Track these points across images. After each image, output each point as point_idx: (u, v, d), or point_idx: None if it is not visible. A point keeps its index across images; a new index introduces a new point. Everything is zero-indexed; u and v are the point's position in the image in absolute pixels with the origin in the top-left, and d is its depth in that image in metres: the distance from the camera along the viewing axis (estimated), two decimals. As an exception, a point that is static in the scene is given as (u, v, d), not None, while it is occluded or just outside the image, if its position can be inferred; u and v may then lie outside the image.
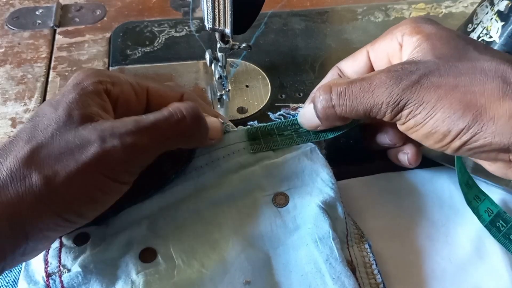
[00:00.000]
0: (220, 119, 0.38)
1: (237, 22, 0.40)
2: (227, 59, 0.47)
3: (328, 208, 0.36)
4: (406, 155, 0.38)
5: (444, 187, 0.42)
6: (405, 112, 0.32)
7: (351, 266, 0.35)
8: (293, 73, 0.52)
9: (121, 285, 0.32)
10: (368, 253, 0.36)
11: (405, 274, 0.37)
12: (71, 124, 0.30)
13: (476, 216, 0.38)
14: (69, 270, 0.32)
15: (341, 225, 0.36)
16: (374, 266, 0.36)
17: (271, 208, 0.37)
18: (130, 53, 0.53)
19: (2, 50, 0.55)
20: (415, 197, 0.42)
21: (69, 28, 0.58)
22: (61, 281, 0.32)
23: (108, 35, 0.57)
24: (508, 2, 0.44)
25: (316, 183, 0.37)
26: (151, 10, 0.61)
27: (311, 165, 0.38)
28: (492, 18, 0.46)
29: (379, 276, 0.35)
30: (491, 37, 0.46)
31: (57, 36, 0.57)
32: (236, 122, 0.41)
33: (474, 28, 0.48)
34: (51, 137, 0.29)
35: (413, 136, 0.34)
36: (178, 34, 0.56)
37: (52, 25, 0.58)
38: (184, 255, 0.34)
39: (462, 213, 0.40)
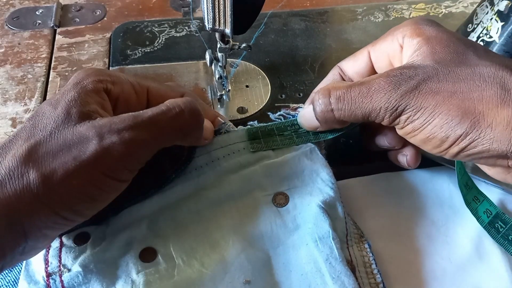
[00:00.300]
0: (220, 119, 0.38)
1: (237, 22, 0.40)
2: (227, 59, 0.47)
3: (328, 208, 0.36)
4: (405, 157, 0.38)
5: (444, 187, 0.42)
6: (403, 117, 0.32)
7: (351, 266, 0.35)
8: (293, 73, 0.52)
9: (121, 284, 0.32)
10: (368, 253, 0.36)
11: (404, 274, 0.37)
12: (69, 122, 0.30)
13: (475, 217, 0.38)
14: (69, 270, 0.33)
15: (341, 225, 0.36)
16: (373, 266, 0.36)
17: (271, 208, 0.37)
18: (130, 53, 0.53)
19: (2, 50, 0.55)
20: (415, 197, 0.42)
21: (69, 28, 0.58)
22: (62, 281, 0.32)
23: (108, 35, 0.57)
24: (508, 2, 0.44)
25: (316, 183, 0.37)
26: (151, 10, 0.61)
27: (311, 165, 0.38)
28: (492, 18, 0.46)
29: (378, 275, 0.35)
30: (491, 37, 0.46)
31: (57, 36, 0.57)
32: (236, 122, 0.41)
33: (474, 28, 0.48)
34: (49, 135, 0.29)
35: (411, 140, 0.34)
36: (178, 34, 0.56)
37: (52, 25, 0.58)
38: (184, 255, 0.34)
39: (462, 213, 0.40)
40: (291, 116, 0.41)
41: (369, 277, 0.35)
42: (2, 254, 0.27)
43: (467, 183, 0.39)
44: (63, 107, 0.31)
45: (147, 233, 0.35)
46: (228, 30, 0.40)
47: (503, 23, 0.45)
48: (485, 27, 0.47)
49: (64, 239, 0.34)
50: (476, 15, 0.48)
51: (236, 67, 0.50)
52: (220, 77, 0.47)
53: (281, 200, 0.37)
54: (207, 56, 0.48)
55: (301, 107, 0.41)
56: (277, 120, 0.42)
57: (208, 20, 0.40)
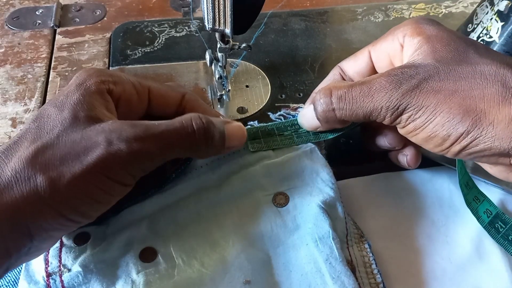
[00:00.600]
0: (221, 117, 0.38)
1: (237, 22, 0.40)
2: (227, 59, 0.47)
3: (328, 208, 0.36)
4: (405, 157, 0.38)
5: (444, 187, 0.42)
6: (404, 116, 0.32)
7: (351, 266, 0.35)
8: (293, 73, 0.52)
9: (121, 284, 0.32)
10: (368, 253, 0.36)
11: (405, 274, 0.37)
12: (77, 126, 0.30)
13: (475, 217, 0.38)
14: (69, 270, 0.33)
15: (341, 225, 0.36)
16: (373, 266, 0.36)
17: (271, 208, 0.37)
18: (130, 53, 0.53)
19: (2, 50, 0.55)
20: (415, 197, 0.42)
21: (69, 28, 0.58)
22: (62, 281, 0.32)
23: (108, 35, 0.57)
24: (508, 2, 0.44)
25: (316, 183, 0.37)
26: (151, 10, 0.61)
27: (311, 165, 0.38)
28: (492, 18, 0.46)
29: (378, 275, 0.35)
30: (491, 37, 0.46)
31: (57, 36, 0.57)
32: (236, 122, 0.41)
33: (474, 28, 0.48)
34: (56, 138, 0.29)
35: (413, 139, 0.34)
36: (178, 34, 0.56)
37: (52, 25, 0.58)
38: (184, 255, 0.34)
39: (462, 213, 0.40)
40: (291, 116, 0.42)
41: (369, 277, 0.35)
42: (7, 254, 0.28)
43: (467, 183, 0.39)
44: (69, 109, 0.31)
45: (147, 233, 0.35)
46: (228, 30, 0.40)
47: (503, 23, 0.45)
48: (485, 27, 0.47)
49: (64, 239, 0.34)
50: (476, 15, 0.48)
51: (236, 67, 0.50)
52: (220, 77, 0.47)
53: (281, 200, 0.37)
54: (207, 56, 0.48)
55: (301, 107, 0.41)
56: (277, 120, 0.42)
57: (208, 20, 0.40)
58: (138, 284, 0.32)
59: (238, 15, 0.39)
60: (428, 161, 0.42)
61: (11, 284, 0.35)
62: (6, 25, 0.58)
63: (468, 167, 0.40)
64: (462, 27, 0.51)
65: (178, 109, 0.38)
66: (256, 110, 0.48)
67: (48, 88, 0.51)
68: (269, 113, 0.43)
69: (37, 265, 0.33)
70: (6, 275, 0.36)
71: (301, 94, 0.50)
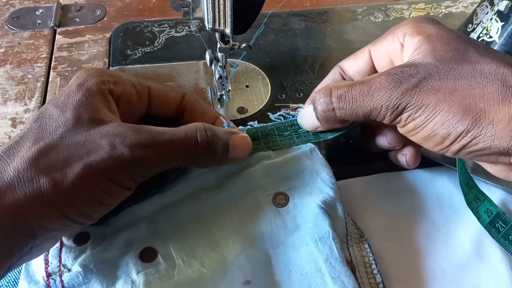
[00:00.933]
0: (222, 119, 0.38)
1: (237, 22, 0.40)
2: (227, 59, 0.47)
3: (328, 208, 0.36)
4: (404, 156, 0.38)
5: (444, 187, 0.42)
6: (404, 115, 0.32)
7: (351, 266, 0.35)
8: (293, 73, 0.52)
9: (121, 284, 0.32)
10: (368, 253, 0.36)
11: (405, 274, 0.37)
12: (81, 127, 0.30)
13: (476, 216, 0.38)
14: (69, 270, 0.33)
15: (341, 225, 0.36)
16: (373, 266, 0.36)
17: (271, 208, 0.37)
18: (130, 53, 0.53)
19: (2, 50, 0.55)
20: (415, 197, 0.42)
21: (69, 28, 0.58)
22: (62, 281, 0.32)
23: (108, 35, 0.57)
24: (508, 2, 0.44)
25: (316, 183, 0.37)
26: (151, 10, 0.61)
27: (311, 165, 0.38)
28: (492, 18, 0.46)
29: (378, 275, 0.35)
30: (491, 37, 0.46)
31: (57, 36, 0.57)
32: (236, 122, 0.41)
33: (474, 28, 0.48)
34: (59, 139, 0.29)
35: (413, 138, 0.34)
36: (178, 34, 0.56)
37: (52, 25, 0.58)
38: (184, 255, 0.34)
39: (462, 213, 0.40)
40: (291, 116, 0.42)
41: (369, 277, 0.35)
42: (9, 254, 0.28)
43: (468, 183, 0.39)
44: (72, 110, 0.31)
45: (147, 233, 0.35)
46: (228, 30, 0.40)
47: (503, 23, 0.45)
48: (485, 27, 0.47)
49: (64, 239, 0.34)
50: (476, 15, 0.48)
51: (236, 67, 0.50)
52: (220, 77, 0.47)
53: (281, 200, 0.37)
54: (207, 56, 0.48)
55: (301, 107, 0.41)
56: (277, 120, 0.42)
57: (208, 20, 0.40)
58: (138, 284, 0.32)
59: (238, 15, 0.39)
60: (428, 161, 0.42)
61: (11, 284, 0.35)
62: (6, 25, 0.58)
63: (468, 167, 0.40)
64: (462, 27, 0.51)
65: (178, 109, 0.38)
66: (256, 110, 0.48)
67: (48, 88, 0.51)
68: (269, 113, 0.43)
69: (37, 265, 0.33)
70: (6, 275, 0.36)
71: (301, 94, 0.50)
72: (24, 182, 0.28)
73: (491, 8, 0.46)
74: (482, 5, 0.48)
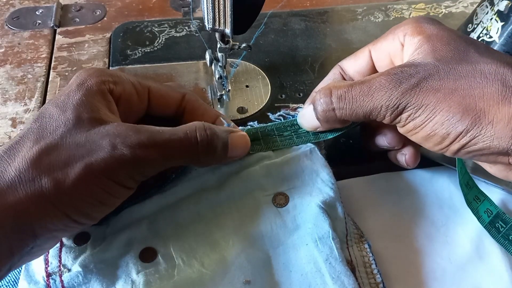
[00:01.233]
0: (222, 119, 0.38)
1: (237, 22, 0.40)
2: (227, 59, 0.47)
3: (328, 208, 0.36)
4: (404, 156, 0.38)
5: (444, 187, 0.42)
6: (404, 115, 0.32)
7: (351, 266, 0.35)
8: (293, 73, 0.52)
9: (121, 284, 0.32)
10: (368, 253, 0.36)
11: (404, 274, 0.37)
12: (81, 127, 0.30)
13: (476, 216, 0.38)
14: (69, 270, 0.33)
15: (340, 225, 0.36)
16: (373, 266, 0.36)
17: (271, 208, 0.37)
18: (130, 53, 0.53)
19: (2, 50, 0.55)
20: (415, 197, 0.42)
21: (69, 28, 0.58)
22: (62, 281, 0.32)
23: (108, 35, 0.57)
24: (508, 2, 0.44)
25: (316, 183, 0.37)
26: (151, 10, 0.61)
27: (311, 165, 0.38)
28: (492, 18, 0.46)
29: (378, 275, 0.35)
30: (491, 37, 0.46)
31: (57, 36, 0.57)
32: (236, 122, 0.41)
33: (474, 28, 0.48)
34: (60, 139, 0.29)
35: (412, 138, 0.34)
36: (178, 34, 0.56)
37: (52, 25, 0.58)
38: (184, 255, 0.34)
39: (461, 213, 0.40)
40: (290, 117, 0.41)
41: (369, 277, 0.35)
42: (10, 253, 0.28)
43: (468, 183, 0.39)
44: (72, 110, 0.31)
45: (147, 233, 0.35)
46: (228, 30, 0.40)
47: (503, 23, 0.45)
48: (485, 27, 0.46)
49: (64, 239, 0.34)
50: (476, 15, 0.48)
51: (236, 67, 0.50)
52: (220, 77, 0.47)
53: (281, 200, 0.37)
54: (207, 56, 0.48)
55: (301, 107, 0.41)
56: (276, 120, 0.42)
57: (208, 20, 0.40)
58: (138, 284, 0.32)
59: (238, 15, 0.39)
60: (428, 161, 0.42)
61: (11, 284, 0.35)
62: (6, 25, 0.58)
63: (468, 167, 0.40)
64: (462, 27, 0.51)
65: (178, 109, 0.38)
66: (256, 110, 0.48)
67: (48, 88, 0.51)
68: (269, 113, 0.43)
69: (37, 265, 0.33)
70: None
71: (301, 94, 0.50)
72: (26, 182, 0.28)
73: (491, 8, 0.46)
74: (482, 5, 0.48)
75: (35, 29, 0.58)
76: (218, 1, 0.38)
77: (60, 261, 0.33)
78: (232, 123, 0.39)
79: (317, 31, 0.57)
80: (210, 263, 0.34)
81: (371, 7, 0.60)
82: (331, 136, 0.38)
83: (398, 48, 0.36)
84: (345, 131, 0.38)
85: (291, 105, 0.42)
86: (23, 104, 0.49)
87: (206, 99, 0.49)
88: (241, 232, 0.36)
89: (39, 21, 0.58)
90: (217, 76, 0.47)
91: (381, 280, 0.35)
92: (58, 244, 0.34)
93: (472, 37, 0.48)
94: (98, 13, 0.60)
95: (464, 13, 0.60)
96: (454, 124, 0.31)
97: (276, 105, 0.48)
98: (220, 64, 0.47)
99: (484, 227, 0.38)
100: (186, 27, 0.57)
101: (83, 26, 0.58)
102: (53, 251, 0.33)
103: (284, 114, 0.42)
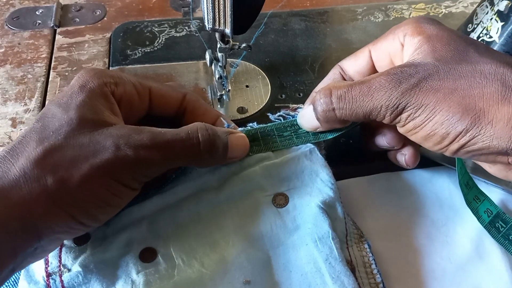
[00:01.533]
0: (222, 119, 0.38)
1: (237, 22, 0.40)
2: (227, 59, 0.47)
3: (327, 208, 0.36)
4: (403, 156, 0.38)
5: (444, 187, 0.42)
6: (404, 115, 0.32)
7: (351, 266, 0.35)
8: (293, 73, 0.52)
9: (121, 284, 0.32)
10: (368, 253, 0.36)
11: (404, 274, 0.37)
12: (85, 128, 0.30)
13: (476, 217, 0.38)
14: (69, 270, 0.33)
15: (340, 225, 0.36)
16: (373, 266, 0.36)
17: (271, 209, 0.37)
18: (130, 53, 0.53)
19: (2, 50, 0.55)
20: (415, 197, 0.42)
21: (69, 28, 0.58)
22: (62, 281, 0.32)
23: (108, 35, 0.57)
24: (508, 2, 0.44)
25: (316, 184, 0.37)
26: (151, 10, 0.61)
27: (310, 166, 0.38)
28: (492, 18, 0.46)
29: (378, 275, 0.35)
30: (491, 37, 0.46)
31: (57, 36, 0.57)
32: (236, 122, 0.41)
33: (474, 28, 0.48)
34: (64, 139, 0.29)
35: (412, 138, 0.34)
36: (178, 34, 0.56)
37: (52, 25, 0.58)
38: (184, 255, 0.34)
39: (461, 213, 0.40)
40: (290, 117, 0.41)
41: (369, 277, 0.35)
42: (13, 254, 0.28)
43: (467, 183, 0.39)
44: (75, 111, 0.31)
45: (147, 233, 0.35)
46: (228, 30, 0.40)
47: (503, 23, 0.45)
48: (485, 27, 0.47)
49: (64, 239, 0.34)
50: (476, 15, 0.48)
51: (236, 67, 0.50)
52: (220, 77, 0.47)
53: (281, 200, 0.37)
54: (207, 56, 0.48)
55: (300, 108, 0.41)
56: (276, 120, 0.42)
57: (208, 20, 0.40)
58: (138, 284, 0.32)
59: (238, 15, 0.39)
60: (428, 161, 0.42)
61: (11, 284, 0.35)
62: (6, 25, 0.58)
63: (468, 167, 0.40)
64: (462, 27, 0.51)
65: (179, 109, 0.38)
66: (256, 110, 0.48)
67: (48, 88, 0.51)
68: (268, 114, 0.43)
69: (37, 265, 0.33)
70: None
71: (301, 94, 0.50)
72: (30, 182, 0.28)
73: (491, 8, 0.46)
74: (482, 5, 0.48)
75: (35, 29, 0.58)
76: (218, 1, 0.38)
77: (60, 261, 0.33)
78: (233, 124, 0.39)
79: (317, 31, 0.57)
80: (210, 263, 0.34)
81: (371, 7, 0.60)
82: (331, 137, 0.38)
83: (398, 48, 0.36)
84: (345, 131, 0.38)
85: (291, 105, 0.42)
86: (23, 104, 0.49)
87: (206, 99, 0.49)
88: (241, 232, 0.36)
89: (39, 21, 0.58)
90: (217, 76, 0.47)
91: (381, 280, 0.35)
92: (58, 244, 0.34)
93: (472, 37, 0.48)
94: (98, 13, 0.60)
95: (464, 13, 0.60)
96: (453, 123, 0.31)
97: (276, 105, 0.48)
98: (220, 64, 0.47)
99: (484, 227, 0.38)
100: (186, 27, 0.57)
101: (83, 26, 0.58)
102: (53, 251, 0.33)
103: (284, 115, 0.42)
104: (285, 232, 0.36)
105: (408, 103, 0.32)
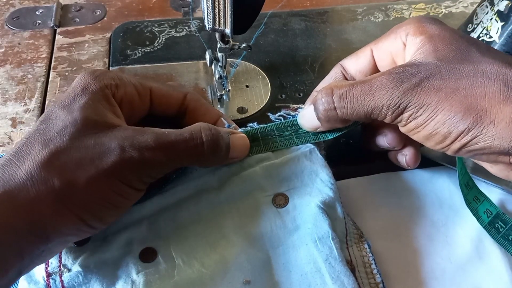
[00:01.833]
0: (223, 119, 0.38)
1: (237, 22, 0.40)
2: (227, 59, 0.47)
3: (327, 208, 0.36)
4: (404, 157, 0.38)
5: (444, 187, 0.42)
6: (405, 114, 0.32)
7: (351, 266, 0.35)
8: (293, 73, 0.52)
9: (121, 284, 0.32)
10: (368, 253, 0.36)
11: (404, 274, 0.37)
12: (89, 130, 0.30)
13: (475, 217, 0.38)
14: (69, 270, 0.33)
15: (340, 225, 0.36)
16: (373, 266, 0.36)
17: (271, 209, 0.37)
18: (130, 53, 0.53)
19: (2, 50, 0.55)
20: (415, 197, 0.42)
21: (69, 28, 0.58)
22: (62, 281, 0.32)
23: (108, 35, 0.57)
24: (508, 2, 0.44)
25: (316, 184, 0.37)
26: (151, 10, 0.61)
27: (310, 166, 0.38)
28: (492, 18, 0.46)
29: (378, 275, 0.35)
30: (491, 37, 0.46)
31: (57, 36, 0.57)
32: (236, 122, 0.41)
33: (474, 28, 0.48)
34: (69, 141, 0.29)
35: (414, 137, 0.34)
36: (178, 34, 0.56)
37: (52, 25, 0.58)
38: (184, 255, 0.34)
39: (461, 213, 0.40)
40: (291, 117, 0.41)
41: (369, 277, 0.35)
42: (20, 256, 0.27)
43: (467, 183, 0.39)
44: (79, 113, 0.31)
45: (147, 234, 0.35)
46: (228, 30, 0.40)
47: (503, 23, 0.45)
48: (485, 27, 0.47)
49: (64, 239, 0.34)
50: (476, 15, 0.48)
51: (236, 67, 0.50)
52: (220, 77, 0.47)
53: (280, 201, 0.37)
54: (207, 56, 0.48)
55: (301, 108, 0.41)
56: (276, 120, 0.42)
57: (208, 20, 0.40)
58: (138, 284, 0.32)
59: (238, 15, 0.39)
60: (428, 161, 0.42)
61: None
62: (6, 25, 0.58)
63: (468, 167, 0.40)
64: (462, 27, 0.51)
65: (180, 108, 0.38)
66: (256, 110, 0.48)
67: (48, 88, 0.51)
68: (269, 114, 0.43)
69: (37, 265, 0.33)
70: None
71: (301, 94, 0.50)
72: (38, 184, 0.28)
73: (491, 8, 0.46)
74: (482, 5, 0.48)
75: (35, 29, 0.58)
76: (218, 1, 0.38)
77: (60, 261, 0.33)
78: (233, 124, 0.39)
79: (317, 31, 0.57)
80: (210, 263, 0.34)
81: (371, 7, 0.60)
82: (331, 137, 0.38)
83: (400, 47, 0.36)
84: (345, 131, 0.38)
85: (291, 106, 0.42)
86: (23, 104, 0.49)
87: (206, 99, 0.49)
88: (241, 232, 0.36)
89: (39, 21, 0.58)
90: (217, 76, 0.47)
91: (381, 280, 0.35)
92: (58, 244, 0.34)
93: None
94: (98, 13, 0.60)
95: (464, 13, 0.60)
96: (455, 123, 0.31)
97: (276, 105, 0.48)
98: (220, 64, 0.47)
99: (483, 227, 0.38)
100: (186, 27, 0.57)
101: (83, 26, 0.58)
102: (54, 252, 0.33)
103: (284, 114, 0.42)
104: (285, 232, 0.36)
105: (409, 103, 0.32)
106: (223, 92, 0.47)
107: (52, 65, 0.53)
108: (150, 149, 0.31)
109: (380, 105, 0.33)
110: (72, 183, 0.28)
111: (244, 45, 0.45)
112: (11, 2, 0.61)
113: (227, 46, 0.44)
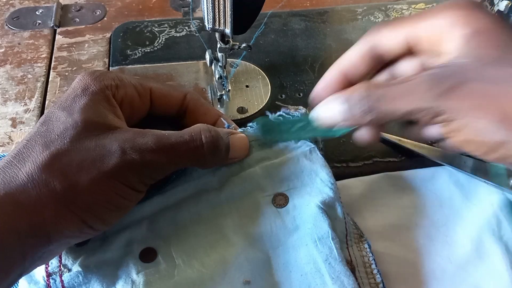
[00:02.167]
0: (223, 119, 0.38)
1: (237, 22, 0.40)
2: (227, 59, 0.47)
3: (327, 208, 0.36)
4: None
5: (444, 187, 0.42)
6: (439, 118, 0.30)
7: (351, 266, 0.35)
8: (293, 73, 0.52)
9: (121, 284, 0.32)
10: (368, 253, 0.36)
11: (404, 274, 0.37)
12: (90, 132, 0.30)
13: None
14: (69, 270, 0.33)
15: (340, 225, 0.36)
16: (373, 266, 0.36)
17: (270, 209, 0.37)
18: (130, 53, 0.53)
19: (2, 50, 0.55)
20: (415, 197, 0.42)
21: (69, 28, 0.58)
22: (62, 281, 0.32)
23: (108, 35, 0.57)
24: (508, 2, 0.44)
25: (316, 183, 0.37)
26: (151, 10, 0.61)
27: (310, 166, 0.38)
28: (492, 18, 0.46)
29: (378, 275, 0.35)
30: (491, 37, 0.46)
31: (57, 36, 0.57)
32: (236, 122, 0.41)
33: (474, 28, 0.48)
34: (70, 143, 0.29)
35: (450, 142, 0.32)
36: (178, 34, 0.56)
37: (52, 25, 0.58)
38: (185, 255, 0.34)
39: (461, 213, 0.40)
40: (291, 116, 0.41)
41: (369, 277, 0.35)
42: (22, 258, 0.27)
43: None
44: (80, 113, 0.31)
45: (147, 234, 0.35)
46: (228, 30, 0.40)
47: (503, 23, 0.45)
48: (485, 27, 0.46)
49: (64, 239, 0.34)
50: (476, 15, 0.48)
51: (236, 67, 0.50)
52: (220, 77, 0.47)
53: (280, 200, 0.37)
54: (207, 56, 0.48)
55: (300, 109, 0.40)
56: (276, 120, 0.41)
57: (208, 20, 0.40)
58: (138, 284, 0.32)
59: (238, 15, 0.39)
60: (428, 161, 0.42)
61: (11, 284, 0.35)
62: (6, 25, 0.58)
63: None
64: (462, 27, 0.51)
65: (180, 108, 0.38)
66: (256, 110, 0.48)
67: (48, 88, 0.51)
68: (268, 113, 0.43)
69: (37, 265, 0.33)
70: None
71: (301, 94, 0.50)
72: (39, 187, 0.28)
73: (491, 8, 0.46)
74: (482, 5, 0.48)
75: (35, 29, 0.58)
76: (218, 1, 0.38)
77: (60, 261, 0.33)
78: (233, 124, 0.39)
79: (317, 31, 0.57)
80: (210, 263, 0.34)
81: (371, 7, 0.60)
82: (340, 134, 0.37)
83: (442, 36, 0.32)
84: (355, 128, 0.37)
85: (290, 107, 0.42)
86: (23, 104, 0.49)
87: (206, 99, 0.49)
88: (241, 232, 0.36)
89: (39, 21, 0.58)
90: (217, 76, 0.47)
91: (381, 280, 0.35)
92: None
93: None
94: (98, 13, 0.60)
95: (464, 13, 0.60)
96: (490, 132, 0.29)
97: (276, 103, 0.48)
98: (220, 64, 0.47)
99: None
100: (186, 27, 0.57)
101: (83, 26, 0.58)
102: (54, 252, 0.33)
103: (284, 114, 0.41)
104: (285, 232, 0.36)
105: (445, 107, 0.30)
106: (223, 92, 0.47)
107: (52, 65, 0.53)
108: (151, 151, 0.31)
109: (415, 108, 0.30)
110: (74, 185, 0.28)
111: (244, 45, 0.45)
112: (11, 2, 0.61)
113: (227, 46, 0.44)
